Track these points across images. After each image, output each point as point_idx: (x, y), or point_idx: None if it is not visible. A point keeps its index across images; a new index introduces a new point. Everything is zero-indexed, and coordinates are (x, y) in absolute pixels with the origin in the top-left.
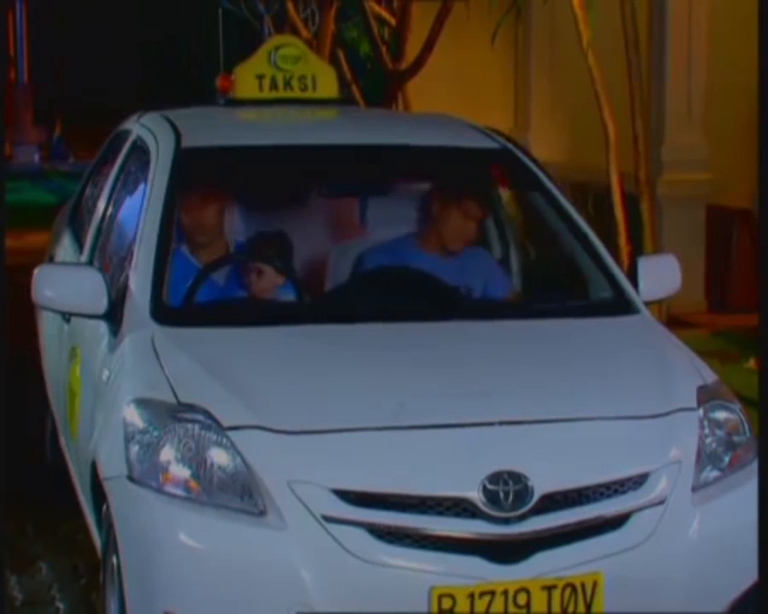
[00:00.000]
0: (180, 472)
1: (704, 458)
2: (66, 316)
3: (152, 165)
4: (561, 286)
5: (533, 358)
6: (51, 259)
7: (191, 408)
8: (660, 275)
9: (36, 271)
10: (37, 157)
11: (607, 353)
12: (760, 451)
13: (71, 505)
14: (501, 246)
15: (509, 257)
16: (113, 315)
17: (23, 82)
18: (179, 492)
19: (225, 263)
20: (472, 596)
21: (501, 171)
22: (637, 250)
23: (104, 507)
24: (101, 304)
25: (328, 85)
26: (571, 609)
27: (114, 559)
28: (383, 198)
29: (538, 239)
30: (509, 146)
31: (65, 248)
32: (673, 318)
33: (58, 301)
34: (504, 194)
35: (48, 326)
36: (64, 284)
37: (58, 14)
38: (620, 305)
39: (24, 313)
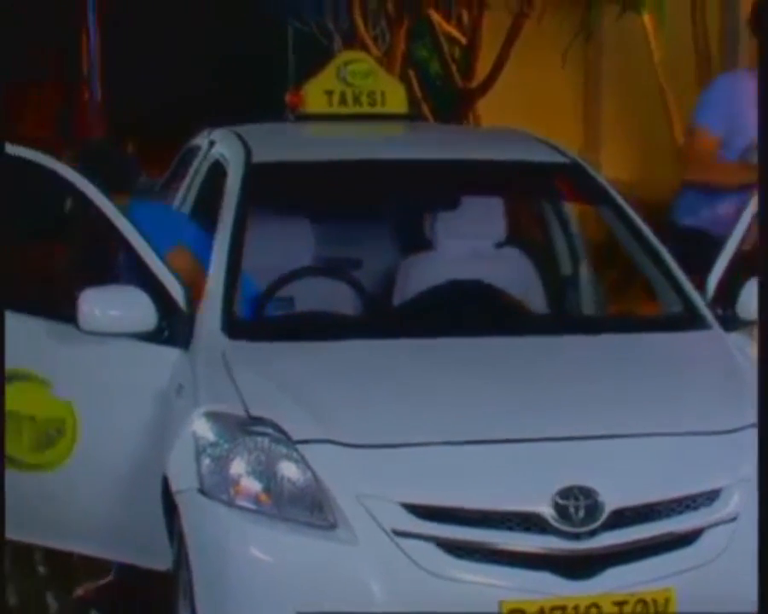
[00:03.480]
0: (251, 485)
1: None
2: None
3: (222, 181)
4: (631, 301)
5: (604, 373)
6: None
7: (261, 421)
8: None
9: (81, 295)
10: None
11: (678, 368)
12: (760, 451)
13: None
14: (571, 261)
15: (578, 272)
16: (163, 332)
17: (96, 100)
18: (250, 505)
19: (295, 278)
20: (542, 611)
21: (570, 186)
22: None
23: (175, 521)
24: (151, 322)
25: (397, 101)
26: None
27: (186, 573)
28: (453, 212)
29: (609, 253)
30: (579, 160)
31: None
32: None
33: (110, 324)
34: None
35: None
36: (113, 306)
37: (130, 33)
38: (692, 320)
39: None
